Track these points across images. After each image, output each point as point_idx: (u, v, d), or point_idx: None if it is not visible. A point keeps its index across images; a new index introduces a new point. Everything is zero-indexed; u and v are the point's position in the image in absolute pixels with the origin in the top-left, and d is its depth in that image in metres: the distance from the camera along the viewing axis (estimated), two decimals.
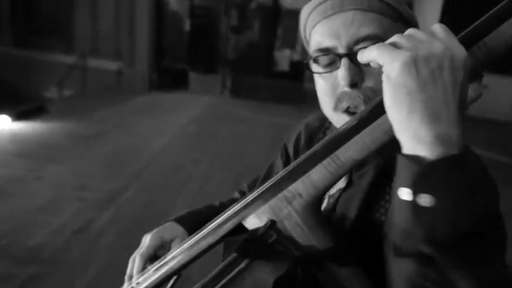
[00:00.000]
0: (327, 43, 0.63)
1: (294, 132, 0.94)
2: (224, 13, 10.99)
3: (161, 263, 0.61)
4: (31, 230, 2.79)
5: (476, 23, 0.45)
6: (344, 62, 0.61)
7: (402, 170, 0.42)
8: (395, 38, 0.43)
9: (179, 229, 0.82)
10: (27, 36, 9.61)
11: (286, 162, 0.93)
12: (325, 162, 0.48)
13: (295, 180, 0.50)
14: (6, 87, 8.00)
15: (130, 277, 0.79)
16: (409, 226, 0.41)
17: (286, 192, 0.50)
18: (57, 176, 3.77)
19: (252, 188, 1.01)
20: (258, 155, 4.43)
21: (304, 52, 0.74)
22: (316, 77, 0.68)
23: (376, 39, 0.60)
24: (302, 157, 0.51)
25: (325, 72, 0.65)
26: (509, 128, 7.79)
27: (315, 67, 0.66)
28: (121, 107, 6.76)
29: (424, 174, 0.39)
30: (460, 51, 0.41)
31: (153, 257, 0.78)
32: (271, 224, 0.51)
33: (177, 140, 5.27)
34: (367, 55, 0.44)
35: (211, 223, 0.57)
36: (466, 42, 0.43)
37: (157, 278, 0.61)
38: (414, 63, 0.40)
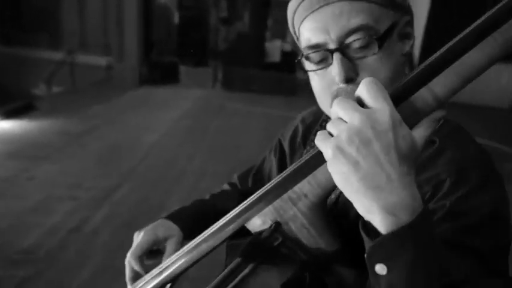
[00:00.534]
0: (317, 39, 0.61)
1: (289, 128, 0.93)
2: (213, 4, 10.88)
3: (162, 268, 0.60)
4: (25, 231, 2.75)
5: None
6: (336, 57, 0.59)
7: (364, 239, 0.44)
8: (328, 126, 0.43)
9: (173, 227, 0.80)
10: (13, 32, 9.42)
11: (282, 159, 0.92)
12: None
13: (300, 180, 0.48)
14: None
15: (131, 280, 0.77)
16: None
17: (291, 193, 0.48)
18: (49, 175, 3.71)
19: (243, 179, 1.01)
20: (253, 147, 4.41)
21: (295, 43, 0.72)
22: (310, 74, 0.66)
23: (366, 29, 0.58)
24: (306, 156, 0.48)
25: (319, 69, 0.63)
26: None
27: (307, 65, 0.65)
28: (112, 102, 6.67)
29: (375, 246, 0.41)
30: (382, 113, 0.40)
31: (147, 252, 0.77)
32: (276, 226, 0.49)
33: (169, 135, 5.22)
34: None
35: (213, 226, 0.55)
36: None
37: (158, 283, 0.60)
38: (339, 150, 0.41)
